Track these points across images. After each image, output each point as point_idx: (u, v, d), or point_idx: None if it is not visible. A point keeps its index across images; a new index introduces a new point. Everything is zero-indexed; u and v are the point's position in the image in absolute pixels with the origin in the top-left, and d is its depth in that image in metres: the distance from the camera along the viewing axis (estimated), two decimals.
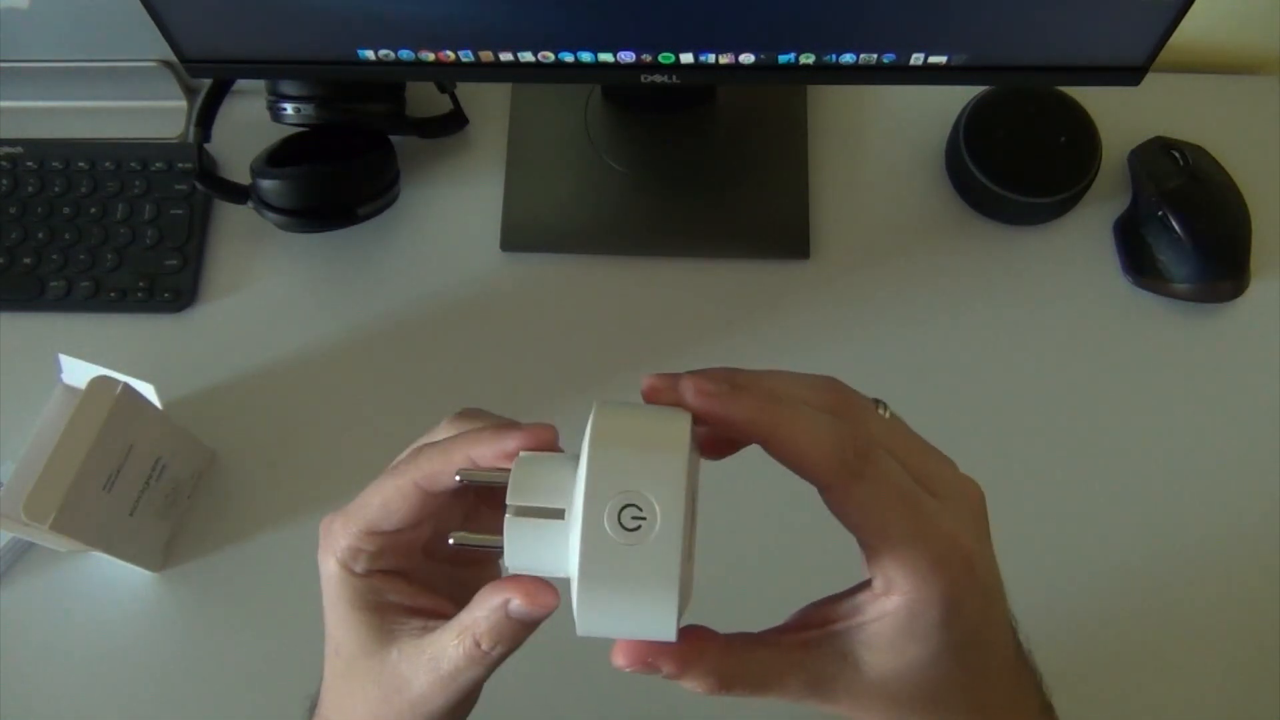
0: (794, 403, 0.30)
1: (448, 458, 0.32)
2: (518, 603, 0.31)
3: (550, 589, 0.31)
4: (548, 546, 0.30)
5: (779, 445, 0.30)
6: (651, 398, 0.31)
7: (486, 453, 0.31)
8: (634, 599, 0.28)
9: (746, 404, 0.30)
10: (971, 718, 0.34)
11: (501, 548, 0.30)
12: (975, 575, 0.31)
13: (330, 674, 0.36)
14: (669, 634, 0.29)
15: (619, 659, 0.30)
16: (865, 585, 0.32)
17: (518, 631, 0.31)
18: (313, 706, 0.38)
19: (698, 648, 0.31)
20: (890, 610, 0.31)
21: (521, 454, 0.31)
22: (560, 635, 0.34)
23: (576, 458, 0.30)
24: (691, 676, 0.31)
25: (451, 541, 0.32)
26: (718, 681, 0.31)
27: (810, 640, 0.32)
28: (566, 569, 0.29)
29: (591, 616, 0.29)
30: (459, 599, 0.33)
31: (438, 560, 0.36)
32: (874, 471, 0.30)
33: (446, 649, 0.32)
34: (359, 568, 0.34)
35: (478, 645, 0.31)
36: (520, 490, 0.30)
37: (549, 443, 0.32)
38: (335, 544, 0.34)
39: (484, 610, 0.31)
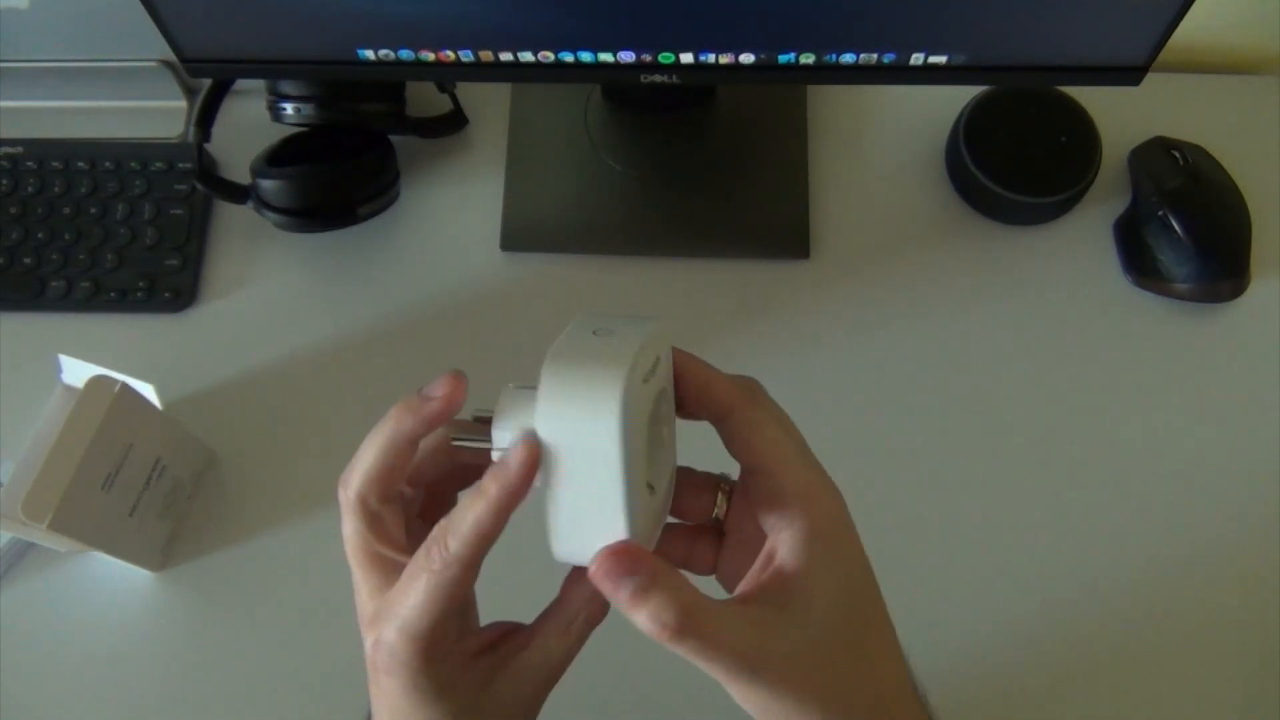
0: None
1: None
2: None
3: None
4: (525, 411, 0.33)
5: (694, 381, 0.36)
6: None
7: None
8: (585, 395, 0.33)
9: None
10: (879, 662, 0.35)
11: (490, 447, 0.34)
12: (841, 497, 0.36)
13: None
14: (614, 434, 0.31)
15: (594, 567, 0.31)
16: (765, 552, 0.35)
17: (606, 607, 0.35)
18: None
19: (665, 565, 0.31)
20: (799, 530, 0.34)
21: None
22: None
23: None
24: (658, 592, 0.30)
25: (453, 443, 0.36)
26: (679, 613, 0.30)
27: (747, 596, 0.34)
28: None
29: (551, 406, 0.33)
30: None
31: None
32: (766, 402, 0.36)
33: (553, 648, 0.35)
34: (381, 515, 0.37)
35: (588, 625, 0.35)
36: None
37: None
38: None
39: (581, 600, 0.35)
